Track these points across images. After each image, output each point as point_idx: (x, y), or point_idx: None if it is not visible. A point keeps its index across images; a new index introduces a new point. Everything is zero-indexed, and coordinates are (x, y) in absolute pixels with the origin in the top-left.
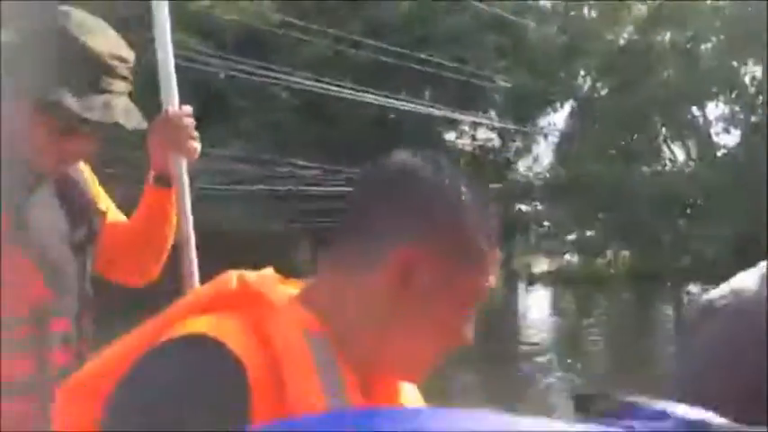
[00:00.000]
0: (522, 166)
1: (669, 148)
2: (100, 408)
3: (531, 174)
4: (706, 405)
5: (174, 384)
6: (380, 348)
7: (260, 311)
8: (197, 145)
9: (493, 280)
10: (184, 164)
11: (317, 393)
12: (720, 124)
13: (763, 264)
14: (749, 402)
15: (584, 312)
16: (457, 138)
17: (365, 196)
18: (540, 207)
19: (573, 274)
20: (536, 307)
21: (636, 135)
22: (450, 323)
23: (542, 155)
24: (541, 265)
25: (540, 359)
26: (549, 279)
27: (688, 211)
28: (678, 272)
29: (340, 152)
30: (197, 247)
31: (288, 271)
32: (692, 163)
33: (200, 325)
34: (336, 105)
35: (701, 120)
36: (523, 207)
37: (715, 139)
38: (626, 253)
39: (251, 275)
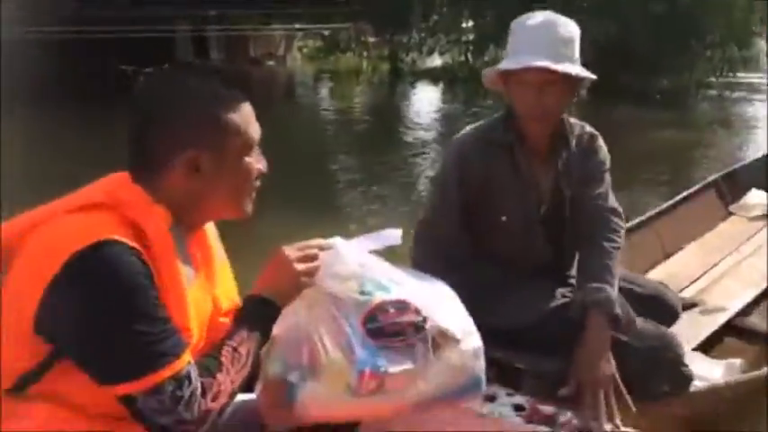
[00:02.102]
0: None
1: None
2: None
3: None
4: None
5: (118, 273)
6: (204, 213)
7: (132, 211)
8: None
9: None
10: None
11: (176, 263)
12: None
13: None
14: None
15: (468, 107)
16: None
17: (149, 120)
18: None
19: (455, 71)
20: (420, 102)
21: None
22: (239, 185)
23: None
24: (428, 62)
25: (422, 154)
26: (434, 75)
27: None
28: None
29: None
30: None
31: None
32: None
33: (92, 229)
34: None
35: None
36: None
37: None
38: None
39: (108, 185)
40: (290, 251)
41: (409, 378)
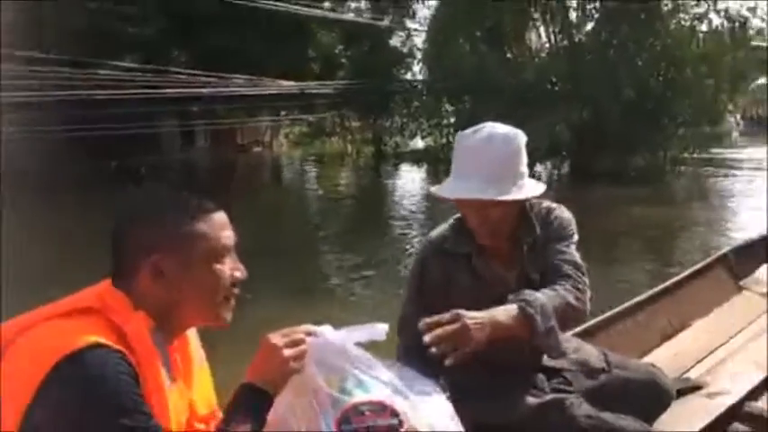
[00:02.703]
0: (396, 40)
1: (538, 33)
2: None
3: (405, 48)
4: None
5: (104, 374)
6: (180, 320)
7: (116, 316)
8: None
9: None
10: None
11: (158, 367)
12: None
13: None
14: None
15: None
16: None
17: (121, 231)
18: (413, 85)
19: (437, 153)
20: (404, 183)
21: (504, 19)
22: (209, 291)
23: (415, 33)
24: (411, 144)
25: (407, 234)
26: (416, 157)
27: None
28: (529, 155)
29: None
30: None
31: None
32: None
33: (81, 334)
34: None
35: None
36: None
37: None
38: None
39: (97, 291)
40: (277, 338)
41: None
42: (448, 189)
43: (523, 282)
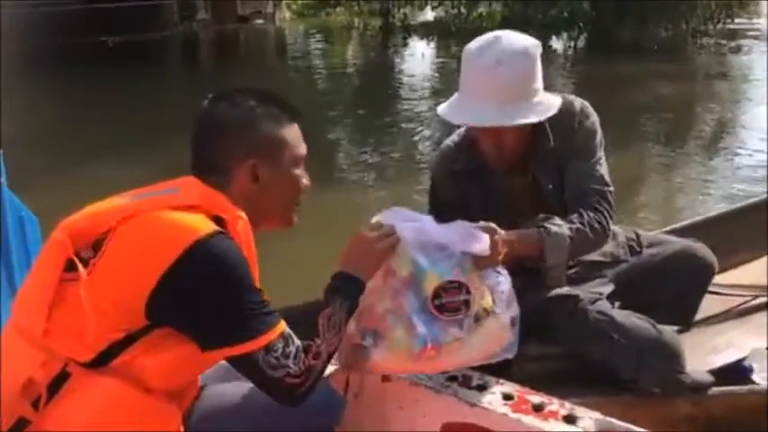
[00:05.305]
0: None
1: None
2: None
3: None
4: None
5: (232, 256)
6: (261, 218)
7: (224, 214)
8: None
9: (305, 175)
10: None
11: (255, 260)
12: None
13: None
14: None
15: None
16: None
17: (213, 135)
18: None
19: (449, 24)
20: (412, 58)
21: None
22: (289, 195)
23: None
24: (419, 16)
25: (417, 116)
26: (426, 30)
27: None
28: (544, 27)
29: None
30: None
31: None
32: None
33: (203, 223)
34: None
35: None
36: None
37: None
38: (498, 6)
39: (199, 186)
40: (369, 232)
41: (459, 345)
42: (459, 114)
43: (535, 191)
